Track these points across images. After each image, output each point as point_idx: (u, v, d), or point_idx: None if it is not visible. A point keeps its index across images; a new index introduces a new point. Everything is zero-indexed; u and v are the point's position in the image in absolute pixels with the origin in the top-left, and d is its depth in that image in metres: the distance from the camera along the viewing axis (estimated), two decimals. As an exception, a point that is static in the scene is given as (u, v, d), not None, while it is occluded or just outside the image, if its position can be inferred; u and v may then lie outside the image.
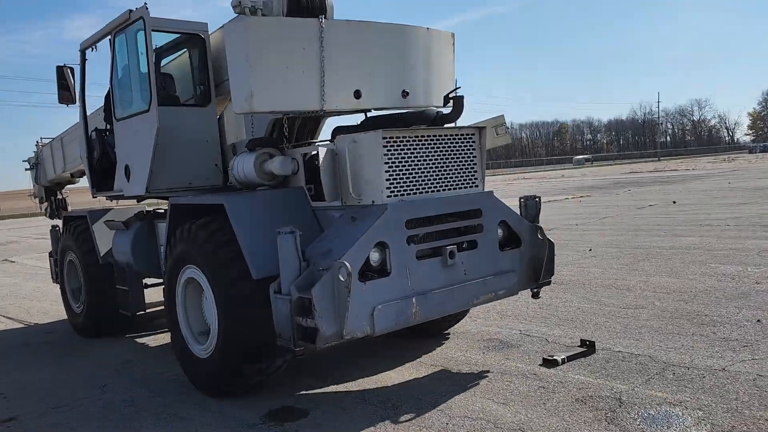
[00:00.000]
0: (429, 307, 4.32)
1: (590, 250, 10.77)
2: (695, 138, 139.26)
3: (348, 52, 4.79)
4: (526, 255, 4.94)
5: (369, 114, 5.27)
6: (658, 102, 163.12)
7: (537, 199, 5.16)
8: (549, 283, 5.14)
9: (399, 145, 4.34)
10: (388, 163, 4.27)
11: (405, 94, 5.09)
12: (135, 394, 5.12)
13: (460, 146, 4.71)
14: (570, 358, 4.95)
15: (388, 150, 4.28)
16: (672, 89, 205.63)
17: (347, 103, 4.85)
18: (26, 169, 10.38)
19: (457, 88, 5.20)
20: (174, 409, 4.67)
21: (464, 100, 5.00)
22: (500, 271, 4.75)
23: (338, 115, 5.44)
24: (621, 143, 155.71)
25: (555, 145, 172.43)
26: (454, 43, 5.51)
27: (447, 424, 3.97)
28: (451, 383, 4.72)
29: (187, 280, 4.94)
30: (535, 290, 5.12)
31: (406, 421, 4.07)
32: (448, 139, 4.64)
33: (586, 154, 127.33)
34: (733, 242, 10.33)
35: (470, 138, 4.79)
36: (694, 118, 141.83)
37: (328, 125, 12.36)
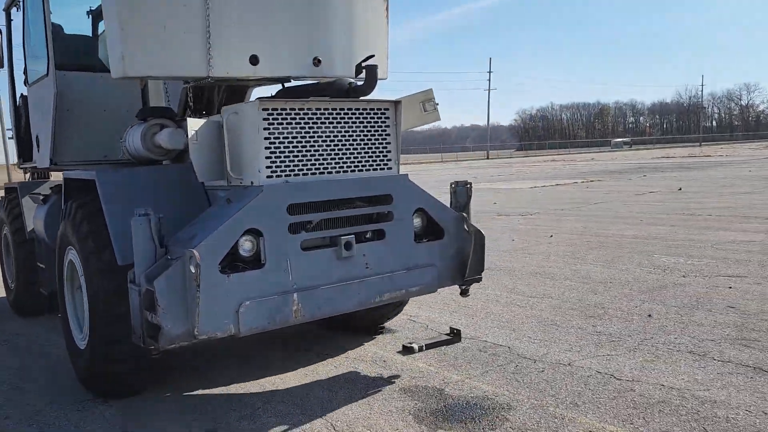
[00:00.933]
0: (316, 305, 3.79)
1: (552, 236, 10.56)
2: (742, 123, 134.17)
3: (242, 10, 4.16)
4: (450, 248, 4.36)
5: (287, 84, 4.71)
6: (702, 85, 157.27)
7: (468, 186, 4.59)
8: (478, 280, 4.54)
9: (285, 119, 3.79)
10: (269, 138, 3.73)
11: (317, 61, 4.44)
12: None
13: (369, 122, 4.12)
14: (430, 346, 4.87)
15: (269, 123, 3.73)
16: (720, 72, 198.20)
17: (241, 69, 4.23)
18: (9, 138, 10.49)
19: (370, 57, 4.49)
20: (45, 416, 4.05)
21: (377, 69, 4.34)
22: (415, 266, 4.19)
23: (271, 83, 4.77)
24: (665, 127, 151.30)
25: (596, 127, 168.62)
26: (387, 6, 4.82)
27: (259, 408, 3.97)
28: (310, 369, 4.71)
29: (70, 263, 4.62)
30: (463, 287, 4.53)
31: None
32: (353, 114, 4.05)
33: (627, 137, 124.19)
34: (699, 233, 9.98)
35: (382, 113, 4.18)
36: (742, 103, 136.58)
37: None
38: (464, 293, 4.58)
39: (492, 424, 3.51)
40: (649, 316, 5.50)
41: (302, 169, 3.87)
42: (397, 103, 4.27)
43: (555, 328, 5.29)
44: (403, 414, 3.72)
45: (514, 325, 5.43)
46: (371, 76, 4.33)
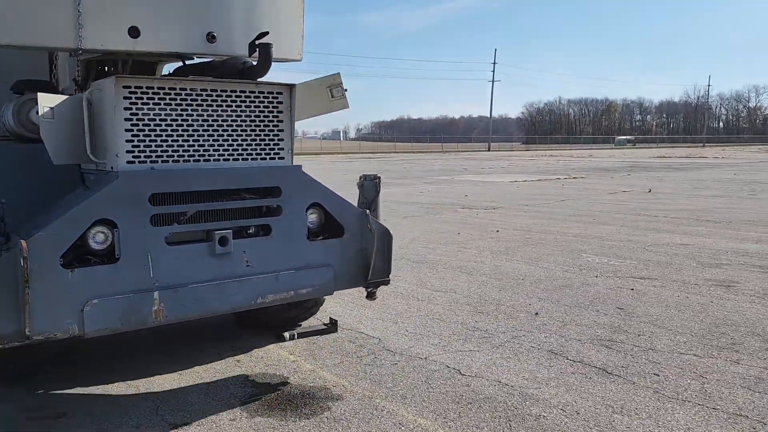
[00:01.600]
0: (182, 305, 3.48)
1: (498, 231, 10.61)
2: (750, 125, 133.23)
3: None
4: (351, 248, 4.03)
5: (189, 62, 4.39)
6: (708, 85, 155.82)
7: (376, 180, 4.33)
8: (385, 282, 4.23)
9: (152, 99, 3.45)
10: (131, 120, 3.39)
11: (211, 37, 4.00)
12: None
13: (257, 107, 3.77)
14: (302, 335, 4.95)
15: (132, 103, 3.39)
16: (729, 74, 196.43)
17: (118, 42, 3.78)
18: None
19: (263, 34, 4.08)
20: None
21: (272, 48, 3.97)
22: (307, 265, 3.87)
23: (158, 59, 4.33)
24: (671, 126, 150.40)
25: (603, 123, 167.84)
26: None
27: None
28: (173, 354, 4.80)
29: None
30: (369, 290, 4.24)
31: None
32: (239, 97, 3.69)
33: (633, 134, 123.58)
34: (642, 234, 10.02)
35: (274, 98, 3.81)
36: (750, 105, 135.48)
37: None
38: (370, 296, 4.30)
39: (311, 413, 3.61)
40: (536, 314, 5.57)
41: (173, 156, 3.50)
42: (291, 87, 3.89)
43: (437, 322, 5.37)
44: (233, 400, 3.82)
45: (401, 318, 5.51)
46: (265, 55, 3.95)
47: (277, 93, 3.85)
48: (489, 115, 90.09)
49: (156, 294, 3.38)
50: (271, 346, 4.80)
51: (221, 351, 4.70)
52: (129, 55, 4.10)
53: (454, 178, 25.60)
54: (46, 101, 3.57)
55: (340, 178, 26.26)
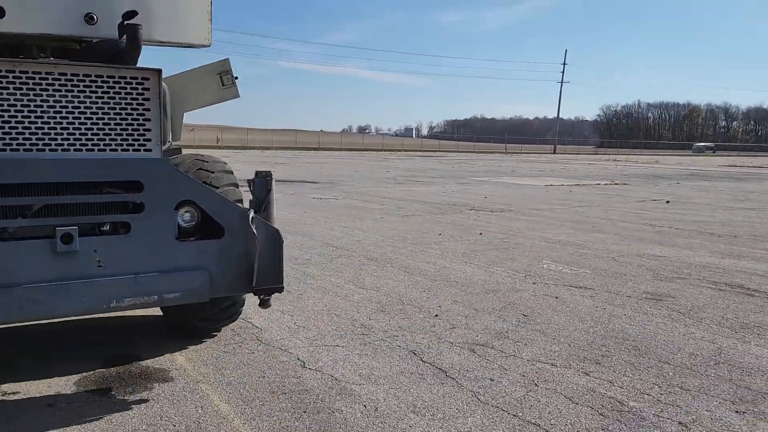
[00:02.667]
0: (15, 306, 3.24)
1: (480, 234, 10.57)
2: None
3: None
4: (232, 250, 3.72)
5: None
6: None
7: (268, 178, 3.96)
8: (278, 290, 3.90)
9: None
10: None
11: (90, 18, 3.68)
12: None
13: (118, 93, 3.51)
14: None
15: None
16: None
17: None
18: None
19: (130, 13, 3.73)
20: None
21: (140, 30, 3.68)
22: (176, 268, 3.58)
23: (52, 41, 3.91)
24: (759, 134, 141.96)
25: (684, 129, 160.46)
26: None
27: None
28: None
29: None
30: (262, 297, 3.92)
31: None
32: (94, 82, 3.46)
33: (713, 141, 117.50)
34: (624, 245, 9.75)
35: (138, 83, 3.55)
36: None
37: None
38: (263, 304, 3.96)
39: (132, 391, 3.86)
40: (436, 315, 5.62)
41: (11, 143, 3.31)
42: (158, 72, 3.61)
43: (331, 317, 5.51)
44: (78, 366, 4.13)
45: (299, 311, 5.68)
46: (132, 37, 3.67)
47: (143, 79, 3.56)
48: (557, 117, 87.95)
49: None
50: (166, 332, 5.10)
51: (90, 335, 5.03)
52: None
53: (491, 180, 25.36)
54: None
55: (379, 175, 26.58)
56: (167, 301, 3.64)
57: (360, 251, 8.67)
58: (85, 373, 4.12)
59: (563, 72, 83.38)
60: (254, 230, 3.65)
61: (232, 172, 4.53)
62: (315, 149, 64.85)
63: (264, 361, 4.42)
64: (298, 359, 4.46)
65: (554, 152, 79.07)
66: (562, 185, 23.10)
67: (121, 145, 3.57)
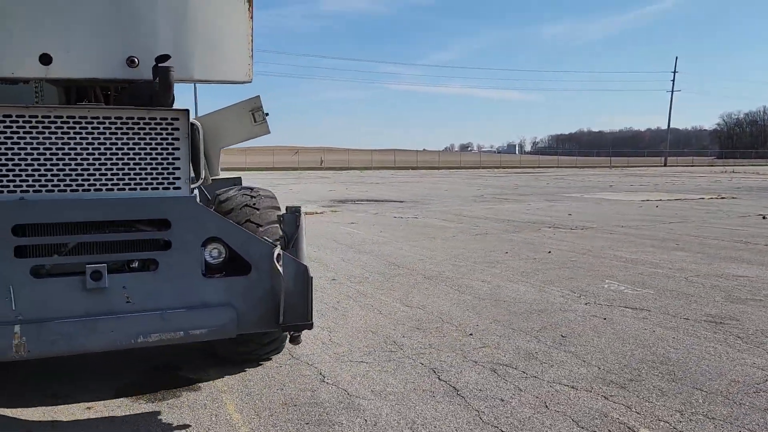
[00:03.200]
0: (47, 341, 3.38)
1: (549, 252, 10.34)
2: None
3: (32, 2, 3.68)
4: (259, 287, 3.70)
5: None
6: None
7: (296, 214, 3.90)
8: (308, 326, 3.79)
9: (23, 127, 3.44)
10: (0, 149, 3.43)
11: (131, 61, 3.86)
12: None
13: (148, 134, 3.63)
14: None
15: (1, 132, 3.42)
16: None
17: (30, 69, 3.74)
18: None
19: (164, 57, 3.84)
20: None
21: (171, 73, 3.82)
22: (202, 304, 3.62)
23: (96, 84, 4.19)
24: None
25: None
26: None
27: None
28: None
29: None
30: (292, 334, 3.87)
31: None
32: (125, 124, 3.59)
33: None
34: (705, 263, 9.20)
35: (168, 124, 3.67)
36: None
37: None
38: (293, 340, 3.92)
39: (164, 397, 4.21)
40: (470, 334, 5.62)
41: (46, 185, 3.47)
42: (185, 113, 3.72)
43: (369, 335, 5.65)
44: (122, 383, 4.54)
45: (339, 327, 5.87)
46: (163, 80, 3.82)
47: (172, 119, 3.67)
48: (667, 127, 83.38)
49: (17, 328, 3.32)
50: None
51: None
52: (42, 81, 4.09)
53: (583, 196, 24.54)
54: None
55: (468, 193, 26.47)
56: (194, 338, 3.63)
57: (420, 270, 8.77)
58: (126, 381, 4.53)
59: (673, 80, 79.13)
60: (279, 267, 3.60)
61: (279, 208, 4.60)
62: (414, 168, 65.51)
63: (287, 374, 4.65)
64: (320, 374, 4.65)
65: (665, 165, 74.95)
66: (660, 200, 21.95)
67: (152, 183, 3.66)
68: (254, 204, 4.53)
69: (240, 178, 6.59)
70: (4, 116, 3.38)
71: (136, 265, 3.67)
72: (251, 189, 4.85)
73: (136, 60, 3.84)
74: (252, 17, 4.13)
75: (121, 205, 3.53)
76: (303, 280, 3.70)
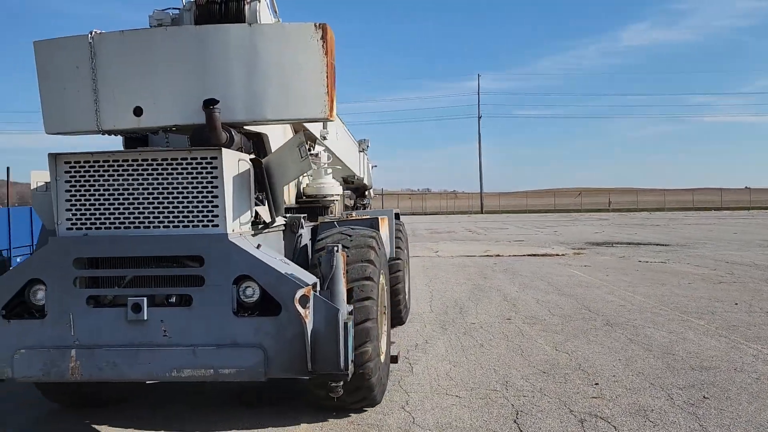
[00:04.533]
0: (96, 366, 3.61)
1: (736, 304, 8.61)
2: None
3: (126, 65, 4.21)
4: (290, 329, 3.54)
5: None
6: None
7: (332, 254, 3.71)
8: (338, 378, 3.61)
9: (88, 171, 3.83)
10: (70, 191, 3.83)
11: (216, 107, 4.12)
12: None
13: (188, 173, 3.78)
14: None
15: (71, 176, 3.84)
16: None
17: (126, 121, 4.26)
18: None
19: (210, 101, 4.08)
20: None
21: (216, 112, 4.05)
22: (232, 343, 3.59)
23: (166, 131, 4.58)
24: None
25: None
26: (321, 36, 4.20)
27: None
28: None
29: None
30: (331, 384, 3.68)
31: None
32: (169, 165, 3.79)
33: None
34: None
35: (208, 163, 3.77)
36: None
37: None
38: (332, 391, 3.70)
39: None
40: (596, 384, 5.19)
41: (104, 223, 3.81)
42: (220, 151, 3.82)
43: (493, 372, 5.60)
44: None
45: (476, 363, 5.91)
46: (209, 119, 4.03)
47: (211, 158, 3.77)
48: None
49: (73, 352, 3.59)
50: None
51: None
52: (132, 132, 4.49)
53: None
54: (37, 177, 4.42)
55: (765, 237, 22.74)
56: (222, 377, 3.58)
57: (607, 315, 8.16)
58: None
59: None
60: (300, 309, 3.43)
61: (372, 248, 4.51)
62: (716, 209, 58.16)
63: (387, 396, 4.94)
64: (406, 397, 4.85)
65: None
66: None
67: (192, 221, 3.77)
68: (347, 244, 4.49)
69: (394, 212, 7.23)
70: (75, 162, 3.83)
71: (173, 300, 3.77)
72: (349, 231, 4.75)
73: (214, 102, 4.13)
74: (327, 53, 4.18)
75: (162, 242, 3.72)
76: (334, 324, 3.47)
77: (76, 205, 3.82)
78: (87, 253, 3.74)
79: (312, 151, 5.62)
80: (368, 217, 5.96)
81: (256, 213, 4.19)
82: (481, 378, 5.46)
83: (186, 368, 3.56)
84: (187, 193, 3.78)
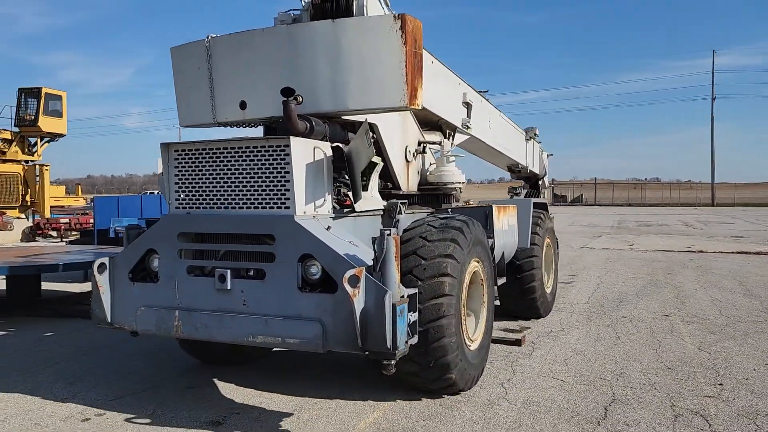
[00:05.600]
0: (193, 326, 4.14)
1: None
2: None
3: (233, 64, 4.72)
4: (344, 307, 3.67)
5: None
6: None
7: (383, 237, 3.70)
8: (387, 356, 3.64)
9: (190, 158, 4.37)
10: (178, 175, 4.41)
11: (297, 99, 4.42)
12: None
13: (265, 160, 4.13)
14: (493, 341, 6.30)
15: (179, 162, 4.41)
16: None
17: (234, 114, 4.79)
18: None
19: (286, 91, 4.34)
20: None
21: (292, 104, 4.28)
22: (296, 316, 3.87)
23: (264, 123, 5.04)
24: None
25: None
26: (400, 27, 4.29)
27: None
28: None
29: None
30: (384, 362, 3.69)
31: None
32: (250, 152, 4.18)
33: None
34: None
35: (281, 150, 4.07)
36: None
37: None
38: (384, 369, 3.71)
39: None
40: (720, 384, 4.90)
41: (202, 203, 4.34)
42: (288, 139, 4.06)
43: (615, 364, 5.55)
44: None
45: (608, 354, 5.89)
46: (286, 111, 4.27)
47: (284, 146, 4.06)
48: None
49: (176, 313, 4.18)
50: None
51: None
52: (240, 123, 4.97)
53: None
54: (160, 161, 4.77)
55: None
56: (288, 345, 3.92)
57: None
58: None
59: None
60: (348, 288, 3.55)
61: (453, 242, 4.40)
62: None
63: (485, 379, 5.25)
64: (508, 381, 5.09)
65: None
66: None
67: (268, 204, 4.14)
68: (426, 236, 4.44)
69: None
70: (181, 150, 4.37)
71: (252, 273, 4.15)
72: (434, 222, 4.62)
73: (300, 98, 4.44)
74: (407, 43, 4.29)
75: (241, 221, 4.16)
76: (382, 305, 3.53)
77: (182, 187, 4.40)
78: (188, 228, 4.32)
79: (435, 141, 5.91)
80: (483, 205, 6.05)
81: (344, 197, 4.50)
82: (598, 367, 5.44)
83: (259, 335, 3.94)
84: (265, 177, 4.14)
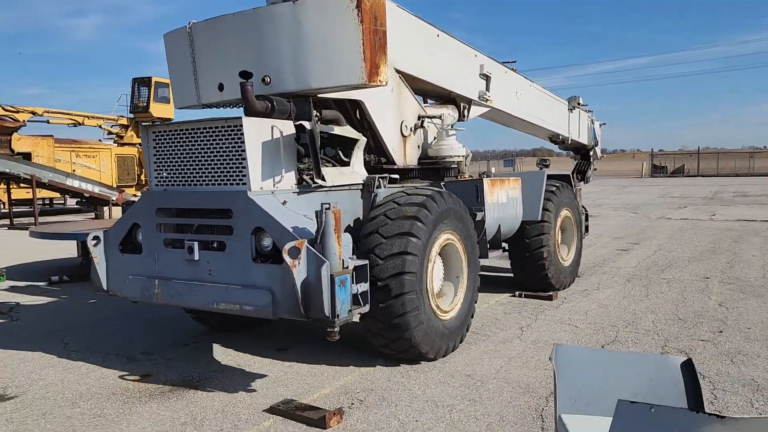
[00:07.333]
0: (169, 294, 4.50)
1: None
2: None
3: (210, 48, 4.97)
4: (290, 277, 3.81)
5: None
6: None
7: (323, 211, 3.85)
8: (329, 323, 3.80)
9: (165, 139, 4.68)
10: (156, 155, 4.76)
11: (265, 80, 4.66)
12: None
13: (222, 139, 4.38)
14: (527, 296, 7.09)
15: (156, 144, 4.74)
16: None
17: (215, 96, 5.06)
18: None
19: (243, 74, 4.41)
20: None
21: (248, 86, 4.36)
22: (252, 285, 4.14)
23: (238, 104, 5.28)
24: None
25: None
26: (357, 5, 4.40)
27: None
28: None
29: None
30: (328, 329, 3.84)
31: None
32: (210, 132, 4.44)
33: None
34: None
35: (236, 129, 4.29)
36: None
37: None
38: (327, 335, 3.85)
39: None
40: (720, 332, 5.47)
41: (177, 181, 4.66)
42: (240, 120, 4.26)
43: (627, 317, 6.22)
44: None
45: (614, 312, 6.54)
46: (243, 92, 4.37)
47: (239, 126, 4.26)
48: None
49: (156, 281, 4.54)
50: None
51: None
52: (221, 104, 5.28)
53: None
54: None
55: None
56: (246, 312, 4.17)
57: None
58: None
59: None
60: (288, 259, 3.70)
61: (413, 218, 4.53)
62: None
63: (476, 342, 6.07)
64: (528, 326, 5.89)
65: None
66: None
67: (228, 180, 4.38)
68: (388, 213, 4.61)
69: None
70: (160, 132, 4.69)
71: (215, 245, 4.40)
72: (401, 196, 4.81)
73: (267, 78, 4.67)
74: (364, 21, 4.38)
75: (202, 197, 4.46)
76: (319, 275, 3.71)
77: (160, 166, 4.75)
78: (164, 204, 4.68)
79: (434, 114, 5.86)
80: (473, 179, 6.10)
81: (310, 173, 4.69)
82: (613, 318, 6.11)
83: (222, 302, 4.25)
84: (224, 155, 4.39)
